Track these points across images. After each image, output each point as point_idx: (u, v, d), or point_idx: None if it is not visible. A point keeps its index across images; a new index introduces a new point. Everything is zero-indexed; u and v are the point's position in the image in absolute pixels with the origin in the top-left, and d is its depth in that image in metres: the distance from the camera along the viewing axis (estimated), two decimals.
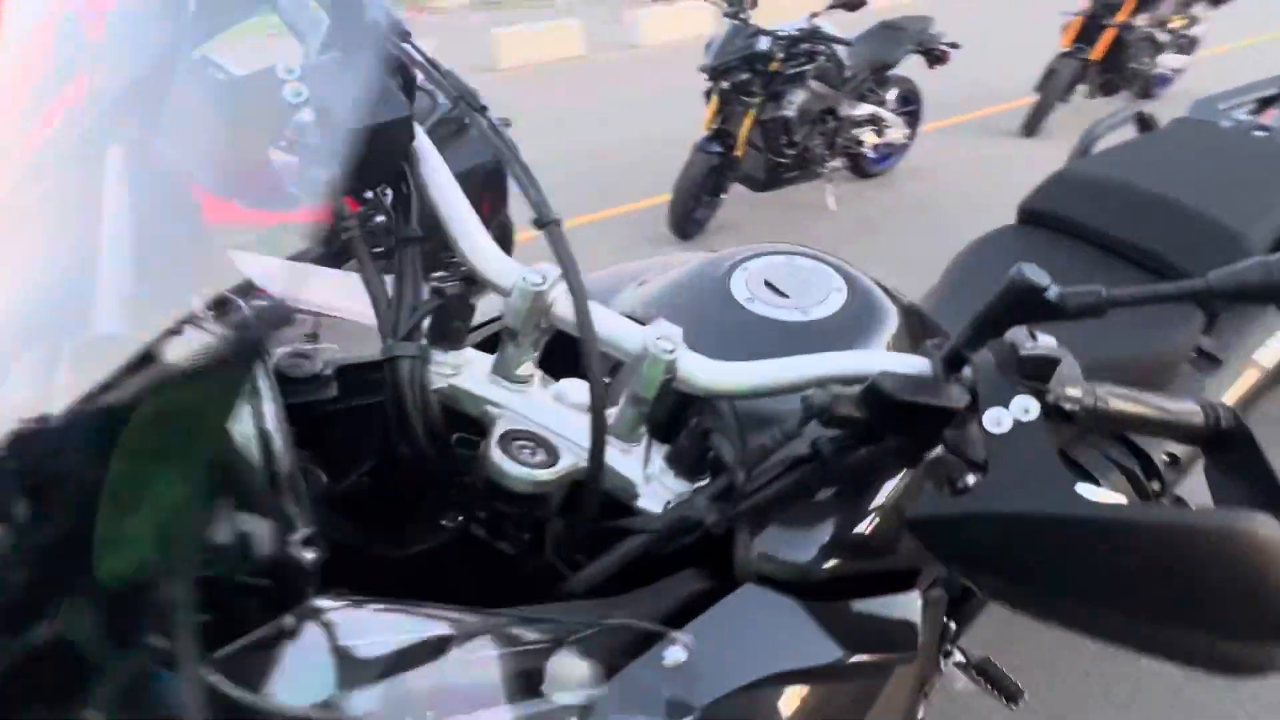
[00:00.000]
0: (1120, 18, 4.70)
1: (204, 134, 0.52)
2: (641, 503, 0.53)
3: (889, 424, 0.47)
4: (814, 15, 3.39)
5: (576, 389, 0.60)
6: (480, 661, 0.38)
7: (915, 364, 0.50)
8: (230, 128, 0.52)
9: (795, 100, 3.47)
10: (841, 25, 3.63)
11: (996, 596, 0.45)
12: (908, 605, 0.54)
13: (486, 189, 2.79)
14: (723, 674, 0.45)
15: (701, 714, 0.43)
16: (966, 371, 0.48)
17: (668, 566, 0.52)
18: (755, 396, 0.53)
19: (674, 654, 0.43)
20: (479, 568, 0.56)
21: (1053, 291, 0.44)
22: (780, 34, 3.34)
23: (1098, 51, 4.72)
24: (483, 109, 0.55)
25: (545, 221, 0.49)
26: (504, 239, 3.30)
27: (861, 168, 4.19)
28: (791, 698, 0.48)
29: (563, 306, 0.55)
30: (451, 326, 0.57)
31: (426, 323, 0.57)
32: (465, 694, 0.35)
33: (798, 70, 3.41)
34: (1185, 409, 0.50)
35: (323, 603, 0.34)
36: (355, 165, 0.52)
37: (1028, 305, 0.45)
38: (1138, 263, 1.09)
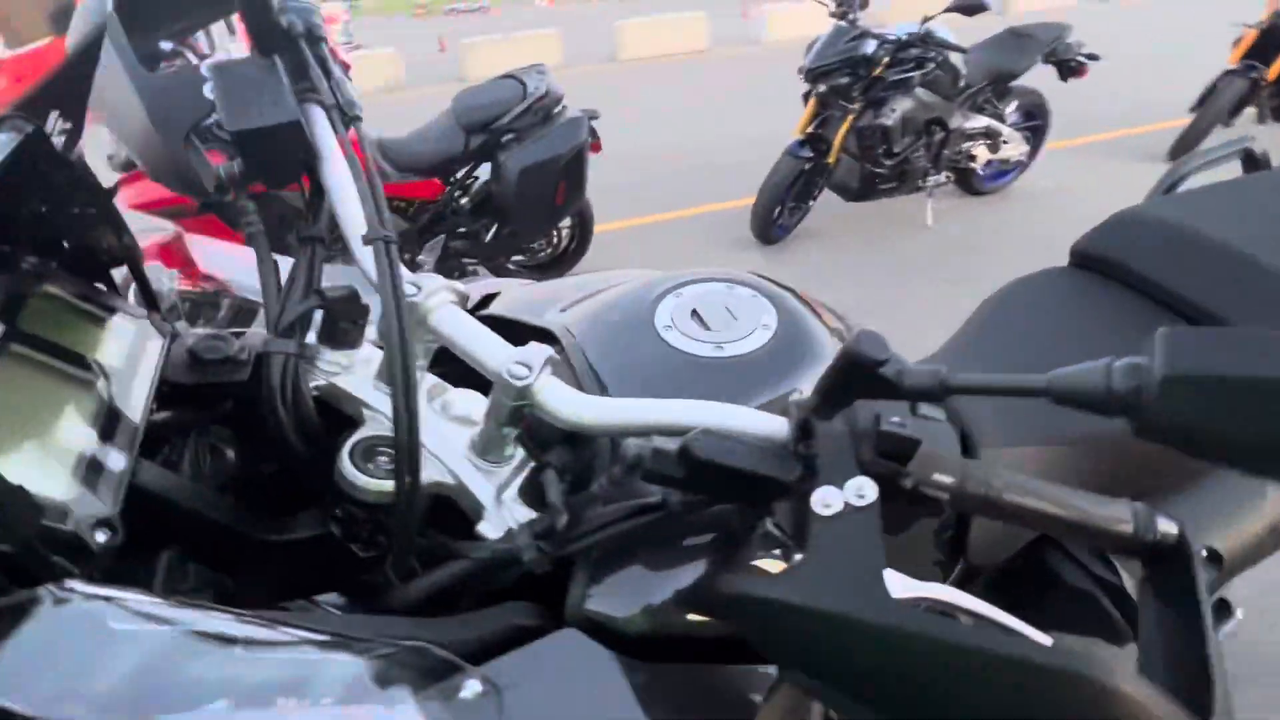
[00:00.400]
0: None
1: (136, 123, 0.56)
2: (481, 527, 0.52)
3: (708, 486, 0.44)
4: (928, 19, 3.19)
5: (464, 401, 0.60)
6: (245, 662, 0.38)
7: (772, 425, 0.46)
8: (158, 118, 0.56)
9: (898, 108, 3.28)
10: (962, 31, 3.40)
11: (809, 694, 0.41)
12: (753, 680, 0.50)
13: (563, 177, 2.85)
14: (511, 717, 0.43)
15: None
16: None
17: (514, 595, 0.51)
18: (620, 435, 0.51)
19: (471, 687, 0.42)
20: (344, 566, 0.57)
21: (891, 367, 0.39)
22: (889, 37, 3.17)
23: (1275, 71, 4.14)
24: (354, 120, 0.55)
25: (372, 238, 0.49)
26: (584, 226, 3.35)
27: (971, 184, 3.91)
28: None
29: (438, 318, 0.54)
30: (339, 327, 0.58)
31: (318, 320, 0.58)
32: (210, 693, 0.35)
33: (903, 76, 3.22)
34: (1109, 514, 0.44)
35: (82, 585, 0.35)
36: (251, 162, 0.55)
37: (864, 379, 0.40)
38: (1196, 322, 0.95)
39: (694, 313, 0.67)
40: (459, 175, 2.98)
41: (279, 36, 0.55)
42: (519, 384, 0.49)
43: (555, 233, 3.34)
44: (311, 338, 0.60)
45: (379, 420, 0.57)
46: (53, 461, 0.43)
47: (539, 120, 2.88)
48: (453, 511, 0.56)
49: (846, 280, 3.25)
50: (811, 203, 3.59)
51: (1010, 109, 3.72)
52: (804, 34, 3.57)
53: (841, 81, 3.21)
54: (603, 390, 0.63)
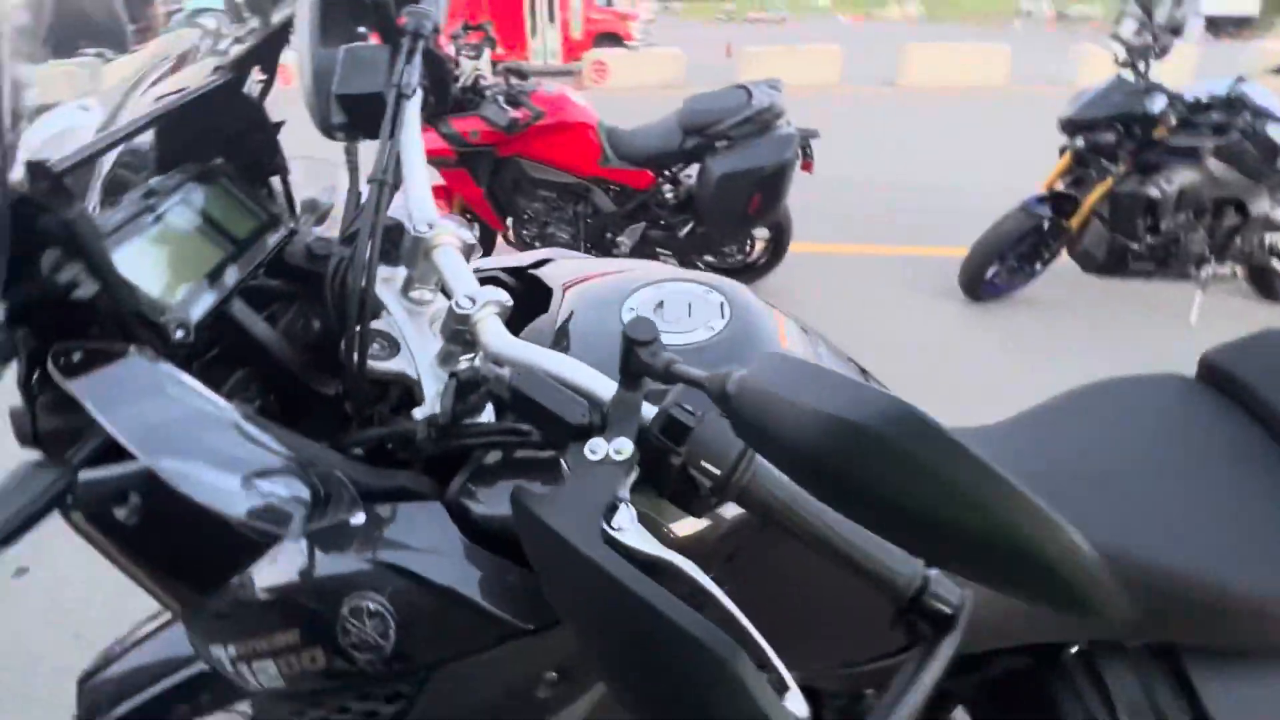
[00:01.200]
0: None
1: (306, 81, 0.78)
2: (415, 411, 0.66)
3: (521, 412, 0.53)
4: (1242, 79, 2.65)
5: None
6: (236, 443, 0.56)
7: (600, 386, 0.54)
8: (317, 80, 0.77)
9: (1176, 179, 2.79)
10: None
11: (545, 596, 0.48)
12: None
13: (760, 190, 2.91)
14: (374, 548, 0.57)
15: (359, 569, 0.56)
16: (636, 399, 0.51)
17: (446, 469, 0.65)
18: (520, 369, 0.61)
19: (359, 516, 0.58)
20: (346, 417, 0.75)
21: (650, 349, 0.45)
22: (1184, 96, 2.70)
23: None
24: (403, 98, 0.69)
25: (373, 179, 0.64)
26: (779, 241, 3.38)
27: (1271, 286, 3.18)
28: (410, 595, 0.56)
29: (437, 253, 0.68)
30: (384, 247, 0.75)
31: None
32: (207, 452, 0.54)
33: (1192, 143, 2.72)
34: (888, 561, 0.44)
35: (150, 356, 0.56)
36: (350, 117, 0.73)
37: (634, 356, 0.46)
38: None
39: (659, 305, 0.74)
40: (670, 171, 3.18)
41: (395, 32, 0.73)
42: (459, 311, 0.62)
43: (750, 242, 3.41)
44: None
45: (387, 320, 0.73)
46: (176, 281, 0.65)
47: (755, 131, 2.96)
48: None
49: (1057, 365, 2.83)
50: (1040, 266, 3.20)
51: None
52: None
53: (1106, 138, 2.81)
54: (568, 347, 0.73)
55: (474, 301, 0.62)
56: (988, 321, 3.18)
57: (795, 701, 0.41)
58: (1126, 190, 2.86)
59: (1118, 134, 2.80)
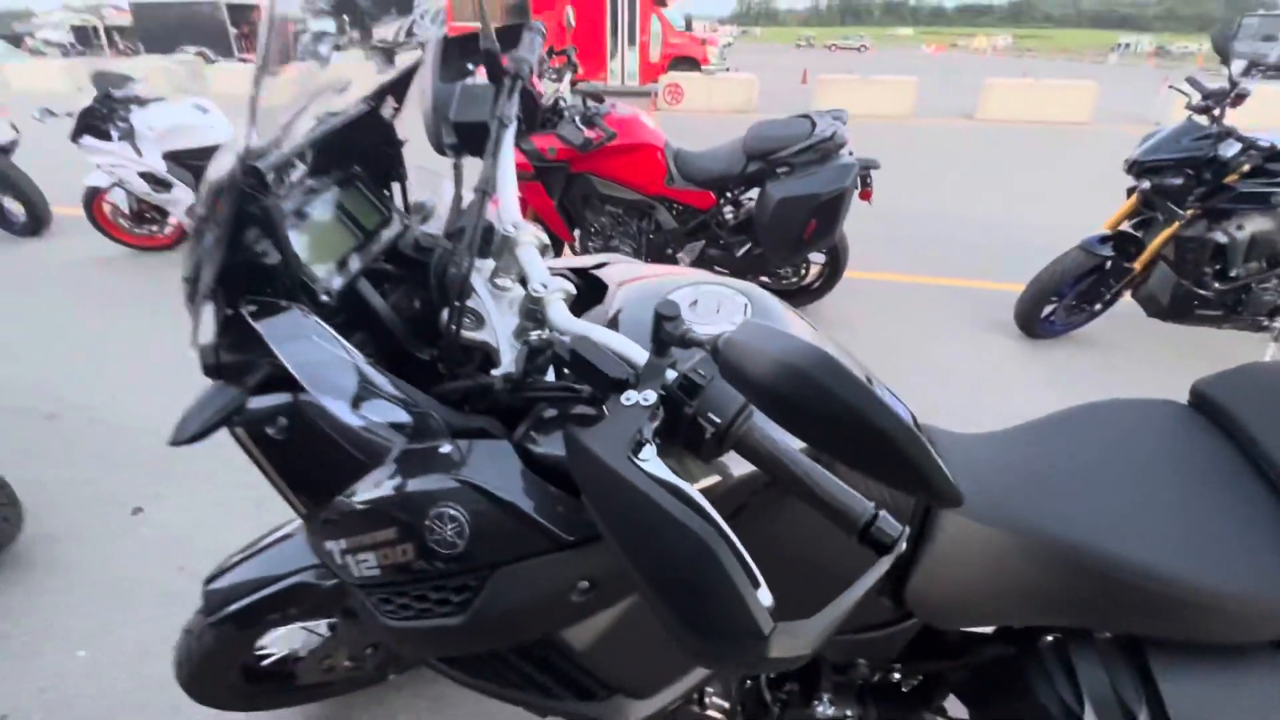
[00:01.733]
0: None
1: (427, 106, 0.97)
2: (494, 370, 0.82)
3: (578, 370, 0.67)
4: None
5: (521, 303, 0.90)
6: (358, 382, 0.73)
7: (635, 353, 0.69)
8: (436, 107, 0.96)
9: (1248, 226, 2.74)
10: None
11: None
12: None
13: (816, 215, 3.01)
14: (456, 470, 0.72)
15: (445, 485, 0.71)
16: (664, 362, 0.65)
17: (515, 416, 0.80)
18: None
19: (445, 446, 0.74)
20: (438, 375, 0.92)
21: (675, 323, 0.60)
22: (1258, 142, 2.67)
23: None
24: (502, 126, 0.86)
25: (477, 189, 0.80)
26: (834, 267, 3.47)
27: None
28: (482, 508, 0.71)
29: (520, 250, 0.85)
30: (486, 245, 0.92)
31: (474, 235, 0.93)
32: (334, 385, 0.72)
33: (1266, 190, 2.68)
34: (844, 499, 0.56)
35: (305, 312, 0.74)
36: (456, 139, 0.91)
37: (662, 328, 0.61)
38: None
39: (694, 302, 0.89)
40: (731, 193, 3.33)
41: (499, 71, 0.91)
42: (534, 294, 0.78)
43: (805, 265, 3.51)
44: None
45: (476, 301, 0.90)
46: (321, 260, 0.83)
47: (816, 159, 3.08)
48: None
49: None
50: (1100, 307, 3.17)
51: None
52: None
53: (1173, 182, 2.79)
54: (617, 328, 0.88)
55: (546, 286, 0.78)
56: (1040, 357, 3.17)
57: (764, 593, 0.54)
58: (1193, 235, 2.83)
59: (1186, 178, 2.78)
